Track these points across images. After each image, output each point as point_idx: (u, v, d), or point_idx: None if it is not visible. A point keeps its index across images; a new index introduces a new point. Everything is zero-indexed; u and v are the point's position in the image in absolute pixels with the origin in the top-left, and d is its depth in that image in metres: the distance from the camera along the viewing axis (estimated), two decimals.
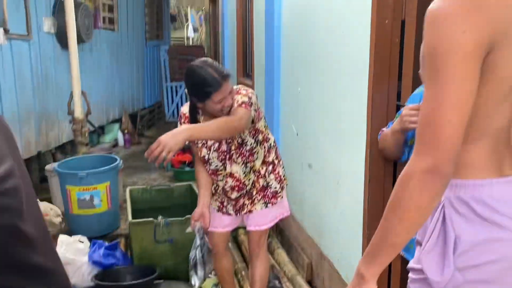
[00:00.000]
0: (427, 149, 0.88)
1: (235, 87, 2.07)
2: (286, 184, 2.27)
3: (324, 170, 2.54)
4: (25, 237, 0.57)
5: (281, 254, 3.06)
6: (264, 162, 2.17)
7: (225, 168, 2.12)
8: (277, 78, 3.39)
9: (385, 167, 1.91)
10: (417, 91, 1.67)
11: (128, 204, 2.94)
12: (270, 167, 2.18)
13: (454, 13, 0.84)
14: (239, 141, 2.06)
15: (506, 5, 0.86)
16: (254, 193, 2.17)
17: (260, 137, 2.13)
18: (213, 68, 1.91)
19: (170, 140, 1.67)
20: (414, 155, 0.91)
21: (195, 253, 2.10)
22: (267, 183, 2.18)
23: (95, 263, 2.63)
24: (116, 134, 6.75)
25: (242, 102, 1.96)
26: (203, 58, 2.00)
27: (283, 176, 2.25)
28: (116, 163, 3.50)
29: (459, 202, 0.98)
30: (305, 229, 2.92)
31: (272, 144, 2.20)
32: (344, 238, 2.29)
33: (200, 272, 2.11)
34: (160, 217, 2.65)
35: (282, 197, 2.23)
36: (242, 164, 2.11)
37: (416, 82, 1.78)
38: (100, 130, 6.37)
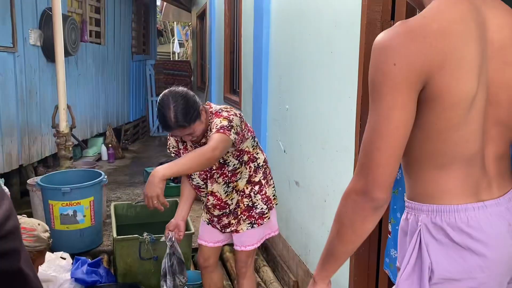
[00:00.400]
0: (361, 172, 0.93)
1: (217, 107, 2.04)
2: (276, 204, 2.25)
3: (311, 187, 2.55)
4: (25, 280, 0.56)
5: (267, 272, 3.04)
6: (249, 182, 2.13)
7: (206, 187, 2.11)
8: (264, 95, 3.42)
9: None
10: None
11: (112, 220, 2.89)
12: (257, 187, 2.15)
13: (388, 46, 0.88)
14: (221, 161, 2.04)
15: (444, 34, 0.88)
16: (239, 212, 2.14)
17: (246, 157, 2.10)
18: (177, 111, 1.82)
19: (150, 189, 1.74)
20: (354, 174, 0.96)
21: (165, 262, 2.12)
22: (253, 203, 2.14)
23: (77, 280, 2.57)
24: (99, 148, 6.67)
25: (221, 127, 1.87)
26: (180, 91, 1.89)
27: (272, 196, 2.21)
28: (100, 178, 3.45)
29: (434, 228, 0.98)
30: (291, 246, 2.92)
31: (260, 164, 2.16)
32: None
33: (169, 282, 2.10)
34: (145, 234, 2.61)
35: (269, 217, 2.19)
36: (224, 184, 2.08)
37: None
38: (84, 144, 6.30)
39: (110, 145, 6.70)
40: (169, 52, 17.36)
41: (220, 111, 2.00)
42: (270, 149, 3.39)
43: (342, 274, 2.12)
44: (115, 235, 2.64)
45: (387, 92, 0.88)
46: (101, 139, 6.81)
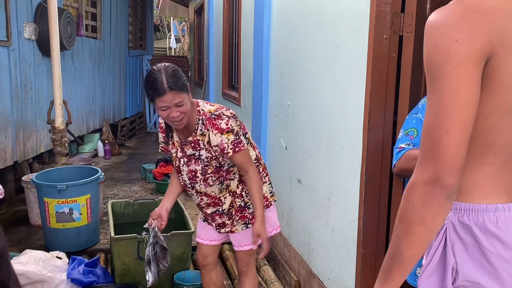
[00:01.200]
0: (428, 160, 0.86)
1: (207, 107, 1.94)
2: (274, 201, 2.19)
3: (315, 186, 2.49)
4: None
5: (268, 271, 2.98)
6: (241, 181, 2.06)
7: (192, 187, 2.05)
8: (265, 90, 3.35)
9: (381, 185, 1.86)
10: (426, 100, 1.65)
11: (110, 218, 2.82)
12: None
13: (446, 23, 0.85)
14: (217, 165, 1.97)
15: (502, 12, 0.84)
16: (233, 213, 2.09)
17: None
18: (168, 75, 1.78)
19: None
20: (416, 167, 0.89)
21: (149, 251, 2.07)
22: (245, 203, 2.08)
23: (74, 281, 2.50)
24: (96, 144, 6.58)
25: (235, 146, 1.88)
26: (172, 64, 1.87)
27: (269, 194, 2.15)
28: (97, 175, 3.37)
29: (462, 227, 0.94)
30: (292, 245, 2.85)
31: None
32: (336, 257, 2.23)
33: (153, 268, 2.07)
34: (144, 233, 2.53)
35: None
36: (219, 183, 2.02)
37: (414, 97, 1.75)
38: (80, 140, 6.21)
39: (106, 141, 6.61)
40: (166, 48, 17.24)
41: (215, 119, 1.89)
42: (271, 146, 3.32)
43: (348, 275, 2.06)
44: (112, 234, 2.57)
45: (451, 70, 0.83)
46: (97, 135, 6.72)
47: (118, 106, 7.74)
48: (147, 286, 2.07)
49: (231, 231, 2.12)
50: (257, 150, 2.17)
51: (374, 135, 1.83)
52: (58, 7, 4.80)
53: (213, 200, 2.05)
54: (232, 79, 5.08)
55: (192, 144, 1.95)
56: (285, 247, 2.99)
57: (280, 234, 3.06)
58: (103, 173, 3.54)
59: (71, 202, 3.19)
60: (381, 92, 1.81)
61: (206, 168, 1.96)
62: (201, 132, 1.92)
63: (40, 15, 4.54)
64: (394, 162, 1.63)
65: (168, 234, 2.57)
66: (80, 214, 3.24)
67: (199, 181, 1.99)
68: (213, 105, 1.97)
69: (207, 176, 1.98)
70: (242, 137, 1.92)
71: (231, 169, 2.02)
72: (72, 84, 5.65)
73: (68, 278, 2.52)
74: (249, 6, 3.80)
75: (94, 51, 6.41)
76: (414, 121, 1.63)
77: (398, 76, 1.80)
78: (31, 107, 4.53)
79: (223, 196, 2.05)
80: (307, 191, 2.60)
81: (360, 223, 1.91)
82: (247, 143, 2.05)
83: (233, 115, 1.95)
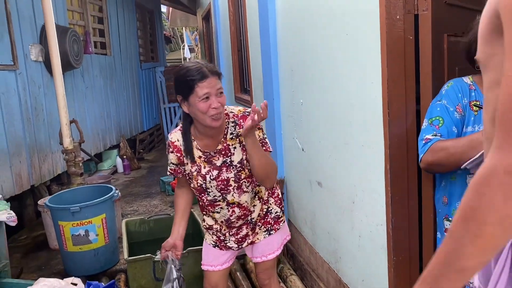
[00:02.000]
0: (509, 144, 0.64)
1: (232, 109, 1.84)
2: (283, 222, 2.07)
3: (336, 188, 2.30)
4: None
5: (295, 281, 2.79)
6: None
7: (224, 200, 1.87)
8: (276, 90, 3.18)
9: (409, 183, 1.67)
10: (450, 85, 1.45)
11: (124, 239, 2.69)
12: (270, 190, 2.00)
13: None
14: (249, 168, 1.83)
15: None
16: (257, 221, 1.96)
17: None
18: (204, 63, 1.72)
19: None
20: (493, 151, 0.67)
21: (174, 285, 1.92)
22: (268, 208, 1.98)
23: None
24: (114, 160, 6.54)
25: (263, 144, 1.82)
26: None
27: (281, 197, 2.05)
28: (111, 193, 3.26)
29: None
30: (319, 253, 2.67)
31: None
32: (365, 264, 2.04)
33: None
34: (158, 252, 2.40)
35: (284, 221, 2.04)
36: (252, 191, 1.90)
37: (437, 81, 1.55)
38: (96, 158, 6.17)
39: (124, 157, 6.56)
40: (180, 58, 17.28)
41: (247, 115, 1.81)
42: (287, 148, 3.14)
43: (380, 285, 1.86)
44: (126, 256, 2.44)
45: None
46: (115, 151, 6.68)
47: (135, 120, 7.70)
48: None
49: (253, 242, 1.97)
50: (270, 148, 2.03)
51: (396, 128, 1.64)
52: (62, 26, 4.77)
53: (245, 211, 1.90)
54: (243, 82, 4.94)
55: (223, 152, 1.82)
56: (311, 255, 2.81)
57: (306, 242, 2.88)
58: (118, 191, 3.44)
59: (86, 223, 3.09)
60: (399, 80, 1.61)
61: (239, 174, 1.82)
62: (231, 136, 1.81)
63: (46, 36, 4.49)
64: (420, 156, 1.45)
65: (185, 251, 2.43)
66: (97, 235, 3.14)
67: (232, 190, 1.83)
68: (237, 107, 1.87)
69: (241, 182, 1.83)
70: (267, 139, 1.86)
71: None
72: (85, 102, 5.61)
73: None
74: (253, 5, 3.65)
75: (104, 67, 6.38)
76: (438, 108, 1.45)
77: (417, 60, 1.61)
78: (43, 129, 4.49)
79: (253, 204, 1.93)
80: (329, 194, 2.41)
81: (388, 227, 1.72)
82: None
83: None
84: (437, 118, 1.44)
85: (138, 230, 2.99)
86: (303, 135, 2.76)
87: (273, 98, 3.17)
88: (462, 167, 1.35)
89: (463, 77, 1.49)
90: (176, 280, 1.92)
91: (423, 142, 1.44)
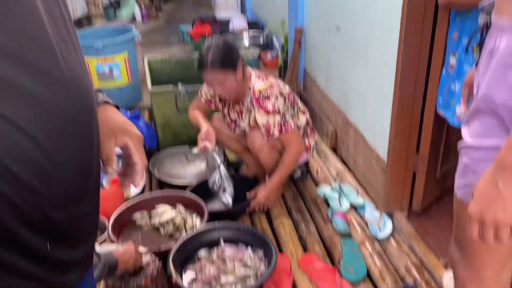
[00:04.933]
0: None
1: (257, 84, 1.96)
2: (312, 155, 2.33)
3: (353, 32, 2.32)
4: None
5: None
6: None
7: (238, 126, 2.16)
8: None
9: (425, 17, 1.69)
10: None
11: (147, 74, 2.84)
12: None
13: None
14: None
15: None
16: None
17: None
18: (215, 53, 1.85)
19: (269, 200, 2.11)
20: None
21: (220, 173, 2.06)
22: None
23: None
24: (133, 8, 6.43)
25: (282, 127, 1.94)
26: (226, 40, 1.95)
27: (312, 148, 2.27)
28: (131, 31, 3.34)
29: None
30: (330, 97, 2.81)
31: (302, 126, 2.16)
32: (373, 103, 2.17)
33: (229, 188, 2.07)
34: (180, 85, 2.56)
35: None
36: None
37: None
38: (116, 4, 6.08)
39: (142, 5, 6.44)
40: None
41: (263, 100, 1.92)
42: None
43: (383, 119, 2.02)
44: (149, 87, 2.61)
45: None
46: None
47: None
48: (229, 206, 2.07)
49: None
50: (307, 114, 2.17)
51: None
52: None
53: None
54: None
55: (237, 111, 2.08)
56: (322, 99, 2.96)
57: (318, 89, 3.01)
58: (138, 32, 3.50)
59: (110, 61, 3.23)
60: None
61: (246, 129, 2.11)
62: (247, 107, 2.01)
63: None
64: None
65: None
66: (120, 73, 3.30)
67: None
68: (265, 82, 1.97)
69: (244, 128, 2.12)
70: (288, 116, 1.97)
71: None
72: None
73: None
74: None
75: None
76: None
77: None
78: None
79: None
80: (345, 39, 2.45)
81: (399, 62, 1.79)
82: (296, 112, 2.10)
83: (282, 94, 1.97)
84: None
85: (159, 69, 3.12)
86: None
87: None
88: (479, 7, 1.37)
89: None
90: (221, 165, 2.06)
91: None
